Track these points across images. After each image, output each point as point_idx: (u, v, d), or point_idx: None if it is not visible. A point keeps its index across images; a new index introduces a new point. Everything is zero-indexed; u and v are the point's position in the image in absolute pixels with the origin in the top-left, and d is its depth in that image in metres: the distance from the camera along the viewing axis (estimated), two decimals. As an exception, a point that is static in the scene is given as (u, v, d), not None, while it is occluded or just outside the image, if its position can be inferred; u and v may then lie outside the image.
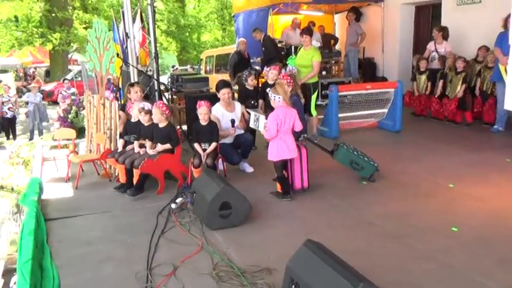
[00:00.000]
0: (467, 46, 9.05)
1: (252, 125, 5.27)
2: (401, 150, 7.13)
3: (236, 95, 7.94)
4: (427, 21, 11.23)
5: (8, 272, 5.62)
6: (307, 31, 7.49)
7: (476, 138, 7.53)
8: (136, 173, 5.41)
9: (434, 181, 5.53)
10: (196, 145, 5.62)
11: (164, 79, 10.63)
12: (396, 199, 5.03)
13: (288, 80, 5.77)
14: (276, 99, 4.88)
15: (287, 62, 7.42)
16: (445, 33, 9.02)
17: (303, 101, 6.47)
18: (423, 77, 9.02)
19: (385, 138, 7.96)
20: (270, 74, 6.77)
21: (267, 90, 5.32)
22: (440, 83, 8.64)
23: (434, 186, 5.39)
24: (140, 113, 5.63)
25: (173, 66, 25.32)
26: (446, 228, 4.21)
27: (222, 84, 6.15)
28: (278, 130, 4.85)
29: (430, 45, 9.25)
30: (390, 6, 11.49)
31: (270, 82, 6.64)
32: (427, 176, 5.73)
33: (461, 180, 5.50)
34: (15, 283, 3.97)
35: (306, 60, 7.25)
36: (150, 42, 8.30)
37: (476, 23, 9.04)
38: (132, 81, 7.66)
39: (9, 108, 13.16)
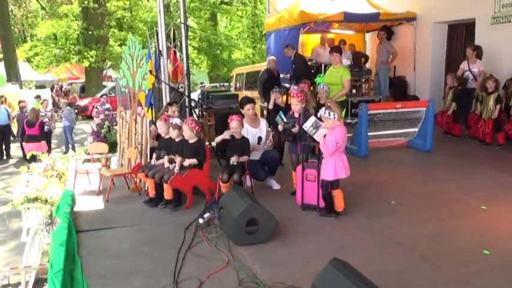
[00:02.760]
0: (501, 66, 8.90)
1: (307, 128, 5.01)
2: (432, 170, 6.98)
3: (265, 112, 7.99)
4: (460, 40, 11.08)
5: (39, 282, 5.75)
6: (336, 49, 7.50)
7: (509, 159, 7.34)
8: (166, 188, 5.50)
9: (466, 202, 5.41)
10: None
11: (195, 96, 10.79)
12: (426, 220, 4.93)
13: (300, 97, 5.62)
14: (331, 115, 4.80)
15: (315, 80, 7.43)
16: (479, 52, 8.90)
17: None
18: (450, 95, 8.91)
19: (416, 158, 7.84)
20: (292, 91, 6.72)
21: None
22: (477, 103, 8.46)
23: (465, 207, 5.27)
24: (169, 128, 5.76)
25: (201, 83, 25.73)
26: (477, 250, 4.11)
27: (246, 100, 6.29)
28: (335, 150, 4.84)
29: (464, 65, 9.12)
30: (422, 25, 11.40)
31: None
32: (458, 196, 5.61)
33: (494, 202, 5.37)
34: (45, 293, 4.07)
35: (335, 78, 7.25)
36: (182, 59, 8.46)
37: (511, 42, 8.88)
38: (164, 97, 7.86)
39: (45, 123, 13.58)
